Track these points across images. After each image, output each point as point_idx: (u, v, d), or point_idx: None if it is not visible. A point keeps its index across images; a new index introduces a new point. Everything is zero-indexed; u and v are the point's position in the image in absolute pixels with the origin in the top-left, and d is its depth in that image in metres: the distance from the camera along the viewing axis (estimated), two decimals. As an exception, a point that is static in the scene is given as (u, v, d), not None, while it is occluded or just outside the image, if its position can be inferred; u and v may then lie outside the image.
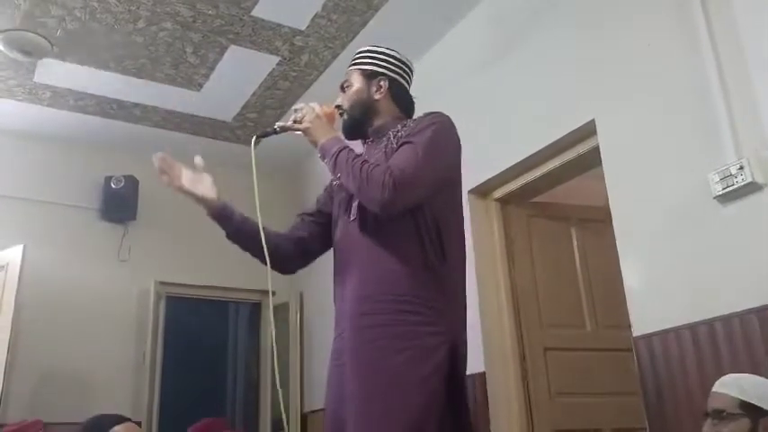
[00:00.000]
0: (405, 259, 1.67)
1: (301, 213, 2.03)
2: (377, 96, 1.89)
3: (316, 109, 1.81)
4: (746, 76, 2.37)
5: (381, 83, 1.89)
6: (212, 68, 4.32)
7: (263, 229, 1.84)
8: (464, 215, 1.84)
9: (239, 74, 4.38)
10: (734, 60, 2.42)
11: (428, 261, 1.68)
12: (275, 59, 4.25)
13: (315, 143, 1.77)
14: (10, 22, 3.76)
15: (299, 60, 4.26)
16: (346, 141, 1.78)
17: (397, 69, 1.92)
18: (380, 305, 1.65)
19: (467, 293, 1.80)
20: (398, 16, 3.84)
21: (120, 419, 2.57)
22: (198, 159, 1.90)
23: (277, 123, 1.85)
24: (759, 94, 2.32)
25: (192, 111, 4.83)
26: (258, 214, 1.84)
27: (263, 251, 1.82)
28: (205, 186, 1.87)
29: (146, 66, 4.27)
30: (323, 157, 1.75)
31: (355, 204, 1.76)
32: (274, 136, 1.91)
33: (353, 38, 4.03)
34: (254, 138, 1.86)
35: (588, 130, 3.05)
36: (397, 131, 1.79)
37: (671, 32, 2.69)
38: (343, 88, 1.94)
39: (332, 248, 1.92)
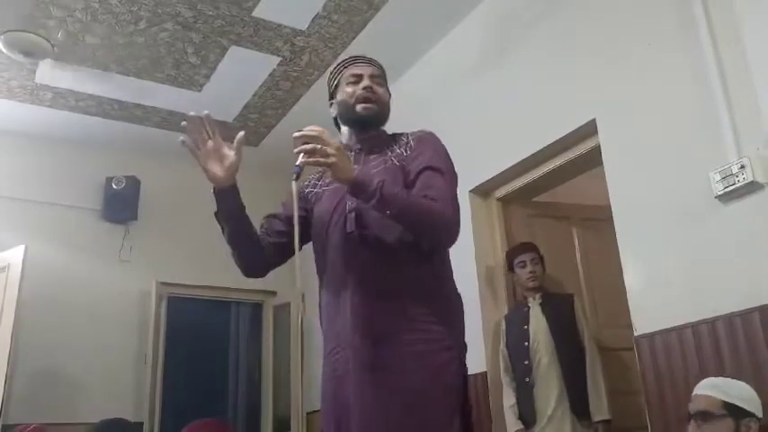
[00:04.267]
0: (410, 272, 1.63)
1: (272, 216, 1.86)
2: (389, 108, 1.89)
3: (334, 140, 1.58)
4: (747, 75, 2.37)
5: (390, 95, 1.90)
6: (213, 69, 4.32)
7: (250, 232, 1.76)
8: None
9: (240, 74, 4.38)
10: (735, 59, 2.42)
11: (434, 270, 1.66)
12: (276, 60, 4.25)
13: (344, 179, 1.56)
14: (11, 23, 3.76)
15: (299, 60, 4.26)
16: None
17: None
18: (390, 323, 1.60)
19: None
20: (399, 16, 3.84)
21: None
22: (240, 135, 1.74)
23: (299, 161, 1.56)
24: (760, 93, 2.32)
25: (193, 111, 4.82)
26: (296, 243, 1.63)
27: (245, 248, 1.74)
28: (223, 165, 1.71)
29: (147, 66, 4.27)
30: (358, 193, 1.56)
31: (352, 216, 1.67)
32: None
33: (354, 38, 4.03)
34: (294, 178, 1.58)
35: (589, 130, 3.05)
36: (394, 149, 1.77)
37: (672, 32, 2.69)
38: (376, 79, 1.84)
39: (317, 253, 1.79)
